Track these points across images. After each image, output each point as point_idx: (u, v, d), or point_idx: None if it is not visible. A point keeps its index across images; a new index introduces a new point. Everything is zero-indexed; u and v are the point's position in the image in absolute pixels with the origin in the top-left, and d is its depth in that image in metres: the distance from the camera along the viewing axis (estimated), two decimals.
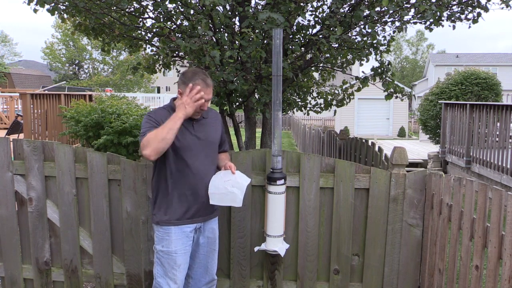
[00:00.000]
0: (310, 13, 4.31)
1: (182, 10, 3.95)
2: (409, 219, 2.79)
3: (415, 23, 4.21)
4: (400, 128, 23.58)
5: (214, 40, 3.99)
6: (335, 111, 5.87)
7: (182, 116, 2.27)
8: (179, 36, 4.08)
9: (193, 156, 2.40)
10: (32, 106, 7.12)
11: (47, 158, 3.04)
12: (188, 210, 2.43)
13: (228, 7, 3.89)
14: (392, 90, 4.59)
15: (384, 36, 4.36)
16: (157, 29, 4.26)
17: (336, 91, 5.33)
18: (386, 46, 4.45)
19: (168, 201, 2.42)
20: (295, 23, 4.27)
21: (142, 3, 4.30)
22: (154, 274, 2.50)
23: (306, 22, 4.38)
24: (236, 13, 4.07)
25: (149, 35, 4.53)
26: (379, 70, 4.56)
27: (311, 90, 5.33)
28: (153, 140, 2.19)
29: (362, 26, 4.07)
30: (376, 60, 4.55)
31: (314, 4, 4.35)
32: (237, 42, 3.92)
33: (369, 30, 3.95)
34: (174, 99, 2.46)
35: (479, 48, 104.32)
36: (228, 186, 2.43)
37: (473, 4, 4.16)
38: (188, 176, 2.40)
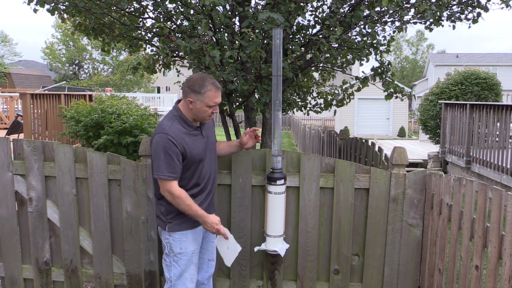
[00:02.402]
0: (310, 13, 4.31)
1: (182, 10, 3.94)
2: (409, 219, 2.79)
3: (415, 23, 4.21)
4: (400, 128, 23.58)
5: (214, 40, 3.98)
6: (335, 111, 5.87)
7: (205, 225, 2.43)
8: (179, 36, 4.08)
9: (205, 161, 2.47)
10: (32, 106, 7.11)
11: (47, 158, 3.04)
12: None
13: (228, 7, 3.89)
14: (392, 90, 4.59)
15: (384, 36, 4.35)
16: (157, 29, 4.25)
17: (336, 91, 5.33)
18: (386, 46, 4.44)
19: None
20: (295, 23, 4.27)
21: (142, 3, 4.30)
22: (168, 278, 2.49)
23: (306, 22, 4.37)
24: (236, 13, 4.06)
25: (149, 35, 4.53)
26: (379, 70, 4.56)
27: (311, 90, 5.32)
28: (178, 203, 2.35)
29: (362, 26, 4.07)
30: (376, 60, 4.55)
31: (314, 4, 4.35)
32: (237, 42, 3.91)
33: (369, 30, 3.95)
34: (178, 101, 2.47)
35: (479, 48, 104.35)
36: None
37: (473, 4, 4.16)
38: (203, 180, 2.47)
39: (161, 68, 4.96)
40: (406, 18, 3.99)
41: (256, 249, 2.80)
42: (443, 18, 4.08)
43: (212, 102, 2.36)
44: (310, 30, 4.36)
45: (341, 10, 4.01)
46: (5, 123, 12.51)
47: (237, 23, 4.32)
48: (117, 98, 6.76)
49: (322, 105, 5.23)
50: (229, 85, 3.75)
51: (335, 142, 6.70)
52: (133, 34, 4.43)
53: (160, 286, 3.07)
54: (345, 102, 5.22)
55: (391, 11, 3.80)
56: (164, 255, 2.52)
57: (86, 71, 41.96)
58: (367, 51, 4.18)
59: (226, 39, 3.95)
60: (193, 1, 4.00)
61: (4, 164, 3.08)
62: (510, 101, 17.32)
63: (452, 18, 4.22)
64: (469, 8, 4.19)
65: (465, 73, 11.06)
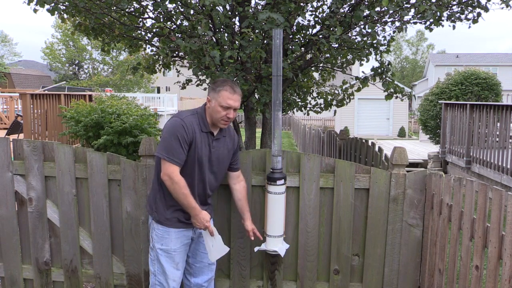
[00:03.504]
0: (310, 13, 4.31)
1: (182, 10, 3.94)
2: (409, 219, 2.79)
3: (415, 23, 4.20)
4: (400, 128, 23.58)
5: (214, 40, 3.98)
6: (335, 111, 5.87)
7: (194, 219, 2.41)
8: (179, 36, 4.07)
9: (204, 169, 2.46)
10: (32, 106, 7.12)
11: (47, 158, 3.04)
12: (190, 216, 2.47)
13: (228, 7, 3.89)
14: (392, 90, 4.58)
15: (384, 36, 4.35)
16: (157, 29, 4.26)
17: (336, 91, 5.33)
18: (386, 46, 4.44)
19: (172, 204, 2.44)
20: (295, 23, 4.27)
21: (142, 3, 4.30)
22: (152, 272, 2.52)
23: (306, 22, 4.37)
24: (236, 13, 4.06)
25: (149, 35, 4.53)
26: (379, 70, 4.56)
27: (311, 90, 5.32)
28: (175, 189, 2.32)
29: (362, 26, 4.07)
30: (376, 60, 4.54)
31: (314, 4, 4.35)
32: (237, 42, 3.91)
33: (369, 30, 3.94)
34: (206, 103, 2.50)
35: (479, 48, 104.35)
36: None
37: (473, 4, 4.16)
38: (196, 186, 2.46)
39: (161, 68, 4.96)
40: (406, 18, 3.99)
41: (256, 249, 2.80)
42: (443, 18, 4.08)
43: (225, 103, 2.35)
44: (310, 30, 4.36)
45: (341, 10, 4.01)
46: (5, 123, 12.50)
47: (237, 23, 4.32)
48: (117, 98, 6.77)
49: (322, 105, 5.23)
50: None
51: (335, 142, 6.69)
52: (133, 34, 4.43)
53: None
54: (345, 102, 5.22)
55: (391, 11, 3.80)
56: (149, 248, 2.56)
57: (86, 71, 41.96)
58: (367, 51, 4.18)
59: (226, 39, 3.95)
60: (193, 1, 4.00)
61: (4, 164, 3.08)
62: (510, 101, 17.32)
63: (452, 18, 4.22)
64: (469, 8, 4.19)
65: (465, 73, 11.06)
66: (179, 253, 2.49)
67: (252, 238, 2.65)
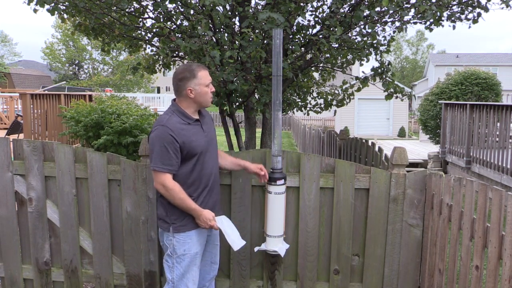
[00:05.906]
0: (310, 13, 4.31)
1: (182, 10, 3.95)
2: (409, 219, 2.79)
3: (415, 23, 4.21)
4: (400, 128, 23.58)
5: (214, 40, 3.99)
6: (335, 111, 5.88)
7: (198, 219, 2.40)
8: (179, 36, 4.08)
9: (207, 157, 2.45)
10: (32, 106, 7.12)
11: (47, 158, 3.04)
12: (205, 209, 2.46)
13: (228, 7, 3.89)
14: (392, 90, 4.59)
15: (384, 36, 4.36)
16: (157, 29, 4.26)
17: (336, 91, 5.33)
18: (386, 46, 4.44)
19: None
20: (295, 23, 4.27)
21: (142, 3, 4.30)
22: (170, 279, 2.47)
23: (306, 22, 4.38)
24: (236, 13, 4.06)
25: (149, 35, 4.53)
26: (379, 70, 4.56)
27: (311, 90, 5.33)
28: (172, 196, 2.32)
29: (362, 26, 4.07)
30: (376, 60, 4.55)
31: (314, 4, 4.35)
32: (237, 42, 3.91)
33: (369, 30, 3.95)
34: (174, 100, 2.49)
35: (479, 48, 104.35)
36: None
37: (473, 4, 4.16)
38: (205, 177, 2.45)
39: (161, 68, 4.96)
40: (406, 18, 3.99)
41: (256, 249, 2.80)
42: (443, 18, 4.08)
43: (208, 80, 2.42)
44: (310, 30, 4.37)
45: (341, 10, 4.01)
46: (5, 123, 12.50)
47: (237, 23, 4.32)
48: (117, 98, 6.77)
49: (322, 105, 5.24)
50: (229, 85, 3.75)
51: (335, 142, 6.69)
52: (133, 34, 4.43)
53: (160, 287, 3.07)
54: (345, 102, 5.22)
55: (391, 11, 3.81)
56: (166, 256, 2.50)
57: (86, 71, 41.99)
58: (367, 51, 4.18)
59: (226, 39, 3.95)
60: (193, 1, 4.01)
61: (4, 164, 3.08)
62: (510, 101, 17.33)
63: (452, 18, 4.22)
64: (469, 8, 4.20)
65: (465, 73, 11.06)
66: (200, 255, 2.50)
67: (262, 174, 2.63)
